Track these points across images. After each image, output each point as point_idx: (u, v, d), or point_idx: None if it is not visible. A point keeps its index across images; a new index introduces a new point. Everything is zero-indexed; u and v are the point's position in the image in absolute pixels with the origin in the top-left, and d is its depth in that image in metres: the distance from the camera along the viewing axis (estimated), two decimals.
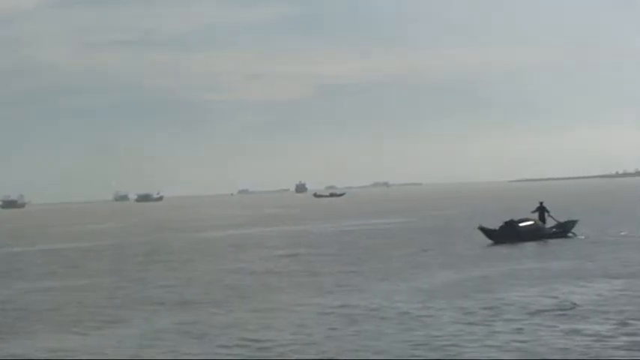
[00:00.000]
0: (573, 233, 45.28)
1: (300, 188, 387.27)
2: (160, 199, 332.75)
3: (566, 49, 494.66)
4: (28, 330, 21.93)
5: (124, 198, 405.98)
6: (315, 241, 51.67)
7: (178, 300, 26.46)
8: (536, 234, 43.92)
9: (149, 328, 21.37)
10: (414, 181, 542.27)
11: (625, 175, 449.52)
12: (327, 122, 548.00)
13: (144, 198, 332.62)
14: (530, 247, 40.46)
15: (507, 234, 43.19)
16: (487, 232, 44.12)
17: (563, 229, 45.39)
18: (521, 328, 18.86)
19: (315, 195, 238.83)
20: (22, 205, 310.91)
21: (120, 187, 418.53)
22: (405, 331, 19.17)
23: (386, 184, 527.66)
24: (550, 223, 45.76)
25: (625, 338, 17.47)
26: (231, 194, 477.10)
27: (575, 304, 21.84)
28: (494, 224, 44.52)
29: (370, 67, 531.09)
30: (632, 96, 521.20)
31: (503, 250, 39.42)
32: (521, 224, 44.08)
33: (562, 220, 46.18)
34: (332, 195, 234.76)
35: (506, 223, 44.05)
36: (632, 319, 19.44)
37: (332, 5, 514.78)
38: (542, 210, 46.30)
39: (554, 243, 41.80)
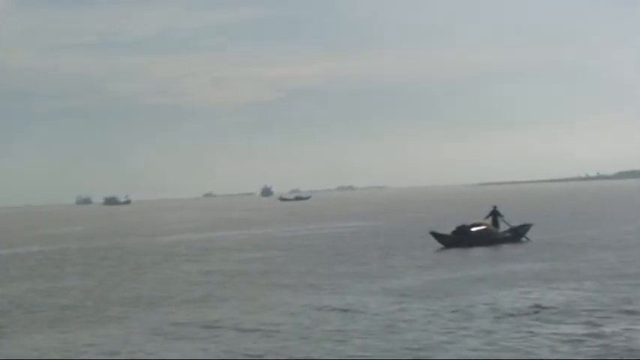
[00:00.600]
0: (527, 238, 45.19)
1: (266, 192, 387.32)
2: (128, 202, 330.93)
3: (528, 52, 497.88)
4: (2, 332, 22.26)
5: (87, 201, 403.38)
6: (283, 244, 51.98)
7: (148, 301, 26.84)
8: (489, 239, 43.89)
9: (124, 328, 21.78)
10: (379, 184, 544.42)
11: (587, 178, 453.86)
12: (293, 126, 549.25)
13: (111, 201, 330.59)
14: (481, 251, 40.23)
15: (459, 239, 43.26)
16: (439, 237, 44.11)
17: (517, 234, 45.32)
18: (488, 330, 19.22)
19: (281, 198, 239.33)
20: None
21: (83, 190, 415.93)
22: (371, 335, 19.49)
23: (351, 188, 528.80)
24: (503, 227, 45.73)
25: (595, 340, 17.81)
26: (197, 198, 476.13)
27: (539, 306, 22.13)
28: (450, 228, 44.66)
29: (336, 71, 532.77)
30: (595, 99, 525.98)
31: (455, 254, 39.28)
32: (473, 229, 44.09)
33: (516, 224, 46.18)
34: (298, 198, 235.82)
35: (458, 227, 44.14)
36: (598, 319, 19.89)
37: (297, 9, 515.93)
38: (495, 215, 46.30)
39: (507, 247, 41.82)
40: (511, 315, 21.04)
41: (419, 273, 31.57)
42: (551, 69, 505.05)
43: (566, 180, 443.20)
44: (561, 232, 49.84)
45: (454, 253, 39.78)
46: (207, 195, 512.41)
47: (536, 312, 21.30)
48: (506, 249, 41.17)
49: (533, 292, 24.92)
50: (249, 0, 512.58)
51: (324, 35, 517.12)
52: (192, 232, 74.19)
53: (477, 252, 40.01)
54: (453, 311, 21.90)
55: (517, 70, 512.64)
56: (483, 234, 44.05)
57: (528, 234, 45.58)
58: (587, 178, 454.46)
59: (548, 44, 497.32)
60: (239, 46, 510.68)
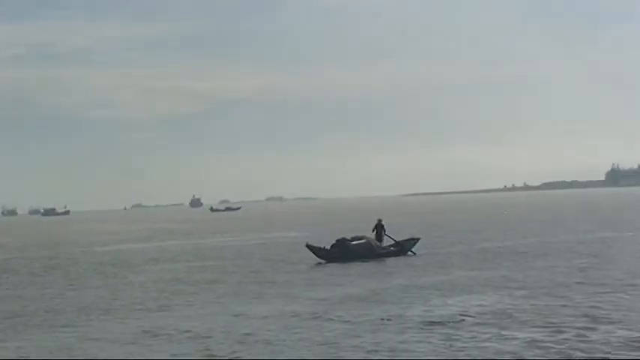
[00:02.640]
0: (413, 252, 44.32)
1: (195, 203, 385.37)
2: (67, 213, 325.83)
3: (461, 65, 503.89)
4: None
5: (11, 213, 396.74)
6: (215, 254, 52.90)
7: (92, 310, 27.83)
8: (370, 252, 42.87)
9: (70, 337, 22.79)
10: (309, 195, 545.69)
11: (514, 189, 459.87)
12: (222, 137, 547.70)
13: (49, 212, 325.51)
14: (360, 266, 39.28)
15: (338, 252, 42.24)
16: (316, 251, 43.06)
17: (402, 248, 44.42)
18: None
19: (212, 209, 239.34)
20: None
21: (6, 201, 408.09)
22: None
23: (280, 199, 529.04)
24: (388, 241, 44.89)
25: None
26: (125, 208, 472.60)
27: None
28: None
29: (265, 84, 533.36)
30: (523, 112, 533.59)
31: (333, 269, 38.52)
32: (354, 242, 43.05)
33: (403, 238, 45.60)
34: (228, 209, 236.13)
35: (337, 241, 43.08)
36: (507, 328, 20.86)
37: (227, 22, 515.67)
38: (379, 228, 45.42)
39: (389, 261, 41.02)
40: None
41: (287, 290, 31.09)
42: (482, 82, 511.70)
43: (494, 190, 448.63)
44: (451, 245, 50.32)
45: (332, 268, 39.01)
46: (136, 206, 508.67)
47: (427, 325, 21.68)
48: (389, 263, 40.50)
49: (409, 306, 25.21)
50: (179, 13, 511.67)
51: (253, 48, 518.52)
52: (131, 242, 74.89)
53: (357, 266, 39.11)
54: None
55: (447, 83, 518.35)
56: (364, 247, 42.94)
57: (415, 248, 44.77)
58: (514, 189, 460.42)
59: (481, 58, 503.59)
60: (169, 58, 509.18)
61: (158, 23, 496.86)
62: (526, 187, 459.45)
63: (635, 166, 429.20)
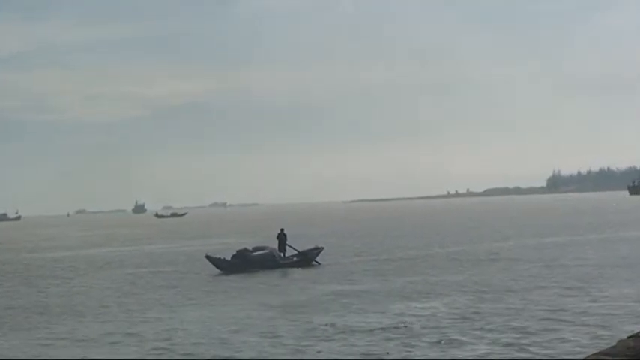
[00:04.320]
0: (317, 262, 43.76)
1: (139, 209, 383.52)
2: (19, 218, 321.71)
3: (408, 68, 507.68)
4: None
5: None
6: (158, 260, 54.14)
7: (40, 313, 29.58)
8: (272, 263, 42.14)
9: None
10: (252, 201, 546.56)
11: (457, 195, 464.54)
12: (166, 142, 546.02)
13: (1, 218, 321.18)
14: (261, 276, 38.72)
15: (239, 263, 41.44)
16: (216, 262, 42.32)
17: (305, 258, 43.75)
18: None
19: (157, 215, 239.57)
20: None
21: None
22: None
23: (224, 205, 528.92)
24: (291, 251, 44.32)
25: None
26: (68, 214, 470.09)
27: (332, 324, 23.48)
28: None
29: (211, 88, 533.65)
30: (467, 117, 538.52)
31: (232, 280, 37.73)
32: (255, 253, 42.31)
33: (308, 247, 45.15)
34: (173, 215, 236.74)
35: (238, 251, 42.31)
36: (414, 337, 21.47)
37: (173, 27, 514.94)
38: (282, 237, 44.82)
39: (294, 272, 40.57)
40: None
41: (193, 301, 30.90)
42: (429, 86, 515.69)
43: (436, 197, 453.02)
44: (361, 254, 50.78)
45: (232, 279, 38.23)
46: (80, 212, 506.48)
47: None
48: (293, 273, 39.98)
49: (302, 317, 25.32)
50: (126, 17, 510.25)
51: (200, 52, 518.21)
52: (76, 248, 76.04)
53: (257, 277, 38.61)
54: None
55: (393, 86, 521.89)
56: (266, 258, 42.13)
57: (319, 258, 44.43)
58: (457, 195, 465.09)
59: (429, 62, 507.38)
60: (116, 62, 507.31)
61: (102, 26, 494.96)
62: (469, 194, 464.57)
63: (575, 173, 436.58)
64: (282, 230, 45.06)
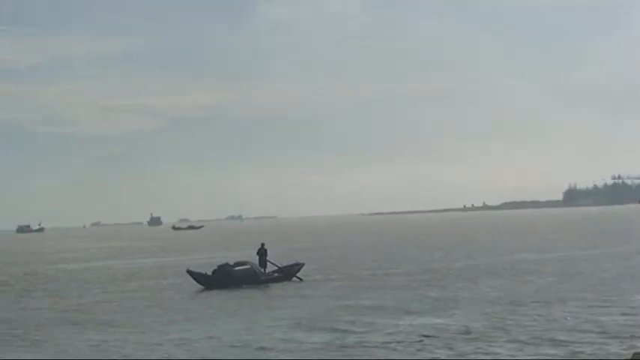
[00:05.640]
0: (299, 277, 43.29)
1: (155, 221, 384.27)
2: (41, 230, 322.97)
3: (421, 82, 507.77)
4: None
5: None
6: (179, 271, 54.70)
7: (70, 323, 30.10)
8: (254, 278, 41.57)
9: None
10: (269, 214, 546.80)
11: (473, 208, 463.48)
12: (181, 155, 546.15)
13: (24, 229, 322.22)
14: (244, 293, 38.50)
15: (220, 279, 40.84)
16: (197, 277, 41.77)
17: (287, 274, 43.37)
18: None
19: (174, 228, 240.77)
20: None
21: None
22: None
23: (240, 218, 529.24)
24: (272, 267, 43.87)
25: None
26: (84, 226, 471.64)
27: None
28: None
29: (226, 101, 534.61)
30: (485, 130, 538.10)
31: (215, 296, 37.52)
32: (237, 268, 41.65)
33: (289, 263, 44.78)
34: (190, 228, 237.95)
35: (219, 267, 41.68)
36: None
37: (187, 39, 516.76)
38: (262, 253, 44.37)
39: (275, 288, 40.23)
40: None
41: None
42: (443, 99, 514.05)
43: (453, 210, 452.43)
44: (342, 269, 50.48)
45: (215, 295, 37.99)
46: (95, 224, 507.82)
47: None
48: (274, 290, 39.57)
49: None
50: (140, 29, 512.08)
51: (214, 65, 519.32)
52: (99, 260, 77.00)
53: (241, 293, 38.42)
54: None
55: (409, 100, 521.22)
56: (248, 273, 41.60)
57: (300, 273, 43.90)
58: (474, 209, 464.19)
59: (442, 74, 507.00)
60: (131, 74, 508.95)
61: (116, 39, 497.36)
62: (485, 207, 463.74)
63: (591, 186, 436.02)
64: (262, 245, 44.68)
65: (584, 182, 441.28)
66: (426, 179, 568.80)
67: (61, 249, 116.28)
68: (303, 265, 44.81)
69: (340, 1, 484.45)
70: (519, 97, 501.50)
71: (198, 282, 41.50)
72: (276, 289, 39.89)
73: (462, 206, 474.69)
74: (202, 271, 42.47)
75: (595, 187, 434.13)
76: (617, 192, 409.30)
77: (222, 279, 40.81)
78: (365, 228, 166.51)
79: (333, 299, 34.08)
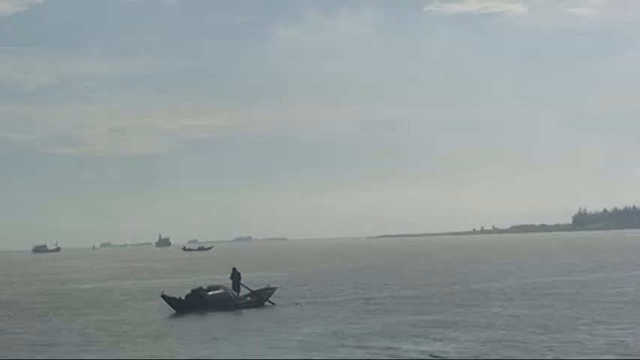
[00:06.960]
0: (271, 302, 43.08)
1: (163, 242, 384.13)
2: (58, 250, 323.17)
3: (428, 107, 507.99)
4: None
5: None
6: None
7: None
8: (228, 303, 41.37)
9: None
10: (279, 235, 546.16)
11: (482, 232, 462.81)
12: (189, 177, 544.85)
13: (40, 249, 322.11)
14: (216, 318, 38.38)
15: (194, 303, 40.82)
16: (171, 301, 41.55)
17: (260, 298, 43.18)
18: None
19: (184, 249, 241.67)
20: None
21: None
22: None
23: (248, 239, 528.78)
24: (245, 291, 43.81)
25: None
26: (93, 247, 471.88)
27: None
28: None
29: (236, 123, 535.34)
30: (492, 154, 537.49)
31: (187, 322, 37.46)
32: (210, 292, 41.54)
33: (259, 287, 44.97)
34: (201, 249, 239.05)
35: (193, 291, 41.81)
36: None
37: (199, 61, 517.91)
38: (236, 276, 44.50)
39: (248, 313, 40.06)
40: None
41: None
42: (454, 124, 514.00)
43: (462, 233, 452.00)
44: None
45: (187, 320, 37.89)
46: (105, 245, 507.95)
47: None
48: (247, 315, 39.34)
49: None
50: (152, 51, 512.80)
51: (224, 87, 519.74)
52: (115, 280, 77.51)
53: (213, 318, 38.30)
54: None
55: (416, 124, 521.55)
56: (222, 298, 41.46)
57: (272, 298, 43.72)
58: (483, 232, 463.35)
59: (454, 98, 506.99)
60: (140, 96, 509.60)
61: (128, 60, 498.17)
62: (495, 230, 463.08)
63: (601, 210, 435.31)
64: (234, 269, 45.07)
65: (594, 206, 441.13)
66: (436, 202, 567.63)
67: (81, 267, 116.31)
68: (275, 289, 44.73)
69: (355, 25, 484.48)
70: (530, 121, 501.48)
71: (172, 305, 41.40)
72: (243, 315, 39.55)
73: (472, 229, 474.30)
74: (176, 295, 42.43)
75: (605, 211, 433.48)
76: (628, 217, 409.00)
77: (195, 303, 40.87)
78: (370, 250, 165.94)
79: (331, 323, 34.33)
